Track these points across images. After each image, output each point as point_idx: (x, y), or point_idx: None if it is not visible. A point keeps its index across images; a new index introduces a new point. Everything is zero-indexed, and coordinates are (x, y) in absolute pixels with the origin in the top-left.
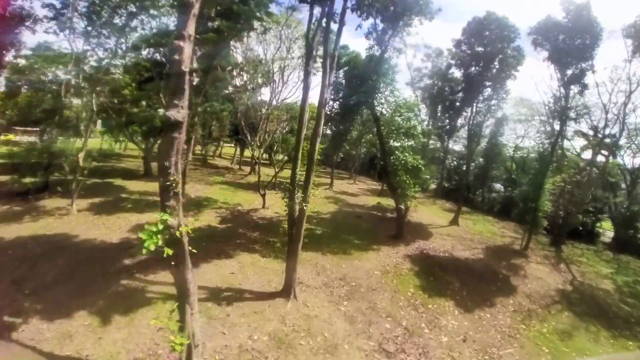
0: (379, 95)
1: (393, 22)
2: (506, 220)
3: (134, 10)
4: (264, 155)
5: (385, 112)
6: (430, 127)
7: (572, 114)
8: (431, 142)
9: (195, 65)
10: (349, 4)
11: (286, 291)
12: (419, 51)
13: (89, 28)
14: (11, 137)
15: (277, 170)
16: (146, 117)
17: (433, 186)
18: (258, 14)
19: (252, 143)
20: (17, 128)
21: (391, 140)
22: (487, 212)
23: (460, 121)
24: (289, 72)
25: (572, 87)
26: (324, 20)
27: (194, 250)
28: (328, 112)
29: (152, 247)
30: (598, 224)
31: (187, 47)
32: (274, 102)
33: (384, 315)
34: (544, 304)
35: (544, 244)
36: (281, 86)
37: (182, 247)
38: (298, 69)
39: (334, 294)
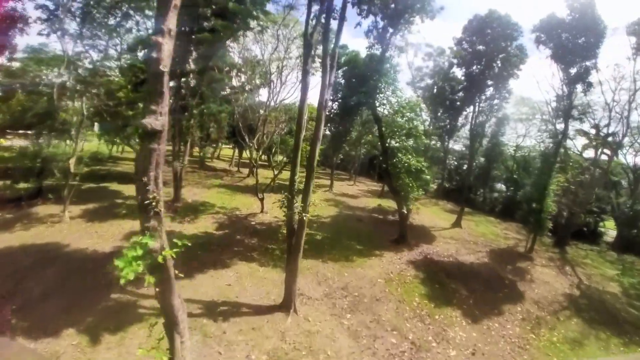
0: (380, 95)
1: (394, 20)
2: (508, 220)
3: (130, 12)
4: (263, 157)
5: (387, 113)
6: (431, 127)
7: (575, 113)
8: (432, 142)
9: (192, 66)
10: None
11: (286, 305)
12: (420, 50)
13: (83, 30)
14: (1, 141)
15: (275, 172)
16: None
17: (433, 186)
18: (254, 12)
19: (250, 145)
20: (9, 131)
21: (393, 141)
22: (489, 212)
23: (460, 121)
24: (287, 72)
25: (577, 85)
26: (323, 16)
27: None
28: (327, 113)
29: (131, 276)
30: (601, 224)
31: (167, 44)
32: (272, 103)
33: (389, 329)
34: (552, 310)
35: (548, 245)
36: (279, 87)
37: (166, 272)
38: (296, 69)
39: (336, 305)
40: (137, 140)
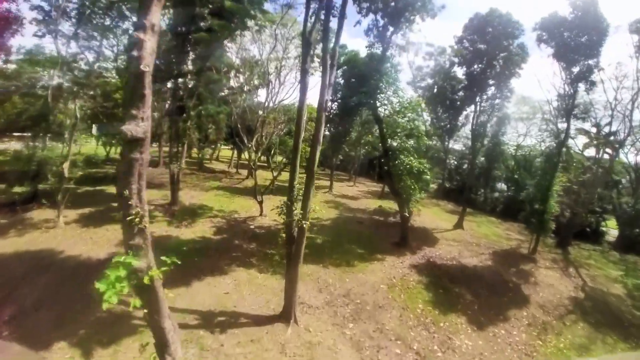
0: (381, 95)
1: (394, 19)
2: (509, 220)
3: (126, 12)
4: (262, 158)
5: (388, 113)
6: (431, 127)
7: (578, 112)
8: (431, 142)
9: (189, 67)
10: None
11: (286, 315)
12: (420, 49)
13: (79, 31)
14: None
15: (274, 174)
16: None
17: (434, 186)
18: (252, 11)
19: (249, 146)
20: (4, 134)
21: (394, 142)
22: (490, 212)
23: (461, 120)
24: (285, 73)
25: (580, 84)
26: (322, 13)
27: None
28: (326, 114)
29: (115, 300)
30: (603, 223)
31: (150, 41)
32: (271, 104)
33: (393, 338)
34: (558, 314)
35: (551, 246)
36: (278, 87)
37: (154, 293)
38: (295, 69)
39: (338, 314)
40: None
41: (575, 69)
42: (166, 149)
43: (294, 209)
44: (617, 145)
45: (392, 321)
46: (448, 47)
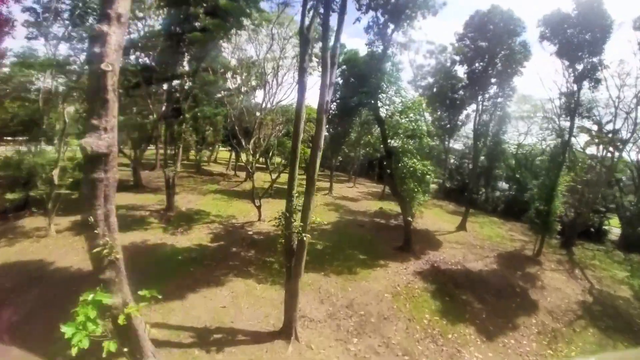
0: (383, 95)
1: (395, 16)
2: (511, 220)
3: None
4: (261, 160)
5: (390, 114)
6: (433, 127)
7: (583, 111)
8: (434, 142)
9: (184, 68)
10: None
11: (286, 331)
12: (421, 48)
13: (72, 33)
14: None
15: (273, 177)
16: (133, 124)
17: (434, 186)
18: (247, 10)
19: (247, 148)
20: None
21: (394, 142)
22: (492, 212)
23: (461, 119)
24: (283, 72)
25: (584, 82)
26: (321, 7)
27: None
28: (327, 116)
29: (86, 344)
30: (606, 223)
31: (115, 34)
32: (268, 105)
33: (400, 354)
34: (567, 320)
35: (555, 247)
36: (275, 87)
37: (134, 332)
38: (293, 69)
39: (341, 328)
40: (130, 145)
41: (580, 67)
42: (163, 151)
43: (293, 220)
44: (619, 144)
45: (398, 334)
46: (449, 45)
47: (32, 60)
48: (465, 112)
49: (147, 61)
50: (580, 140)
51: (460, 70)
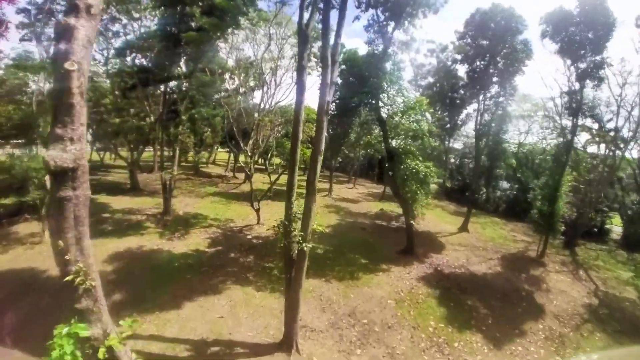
0: (384, 95)
1: (395, 14)
2: (513, 220)
3: (116, 15)
4: (260, 161)
5: (392, 114)
6: (435, 127)
7: (587, 110)
8: (436, 143)
9: (181, 69)
10: None
11: (287, 342)
12: (421, 46)
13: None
14: None
15: (272, 179)
16: (129, 126)
17: (434, 186)
18: (244, 8)
19: (245, 150)
20: None
21: (395, 142)
22: (493, 212)
23: (461, 119)
24: (282, 73)
25: (587, 81)
26: (321, 2)
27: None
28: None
29: None
30: (608, 222)
31: (84, 27)
32: (267, 106)
33: None
34: (574, 325)
35: (558, 247)
36: (274, 88)
37: None
38: (291, 69)
39: (343, 338)
40: (127, 148)
41: (583, 65)
42: (160, 153)
43: (292, 229)
44: (620, 142)
45: (403, 343)
46: (450, 43)
47: (26, 63)
48: (465, 112)
49: (144, 62)
50: (580, 139)
51: (461, 70)
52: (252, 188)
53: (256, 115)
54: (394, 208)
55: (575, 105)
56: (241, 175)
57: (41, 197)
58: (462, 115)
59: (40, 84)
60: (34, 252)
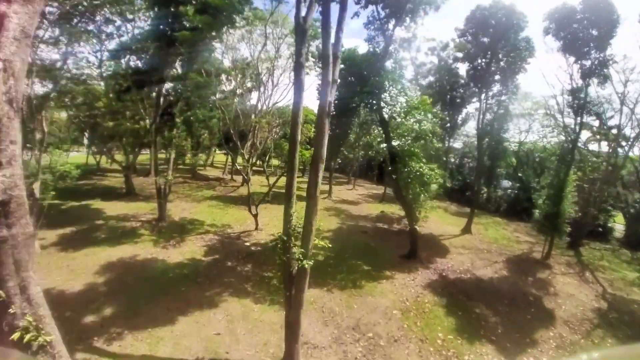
0: (384, 94)
1: (396, 11)
2: (515, 220)
3: (110, 16)
4: (258, 162)
5: (395, 115)
6: (438, 127)
7: (592, 108)
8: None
9: (174, 70)
10: None
11: None
12: (421, 44)
13: (60, 37)
14: None
15: (270, 182)
16: (124, 130)
17: (435, 186)
18: (239, 6)
19: (242, 152)
20: None
21: (397, 142)
22: (494, 212)
23: (461, 118)
24: (279, 73)
25: (593, 79)
26: None
27: None
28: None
29: None
30: (611, 220)
31: (18, 16)
32: (264, 107)
33: None
34: (584, 331)
35: (562, 248)
36: (271, 89)
37: None
38: (288, 70)
39: (348, 355)
40: (122, 151)
41: (587, 62)
42: (161, 155)
43: (292, 245)
44: (621, 141)
45: (410, 358)
46: (450, 41)
47: None
48: (465, 111)
49: (139, 64)
50: (582, 137)
51: (462, 68)
52: (250, 193)
53: (253, 116)
54: (394, 210)
55: (580, 103)
56: (239, 178)
57: (30, 205)
58: (463, 115)
59: (36, 87)
60: None
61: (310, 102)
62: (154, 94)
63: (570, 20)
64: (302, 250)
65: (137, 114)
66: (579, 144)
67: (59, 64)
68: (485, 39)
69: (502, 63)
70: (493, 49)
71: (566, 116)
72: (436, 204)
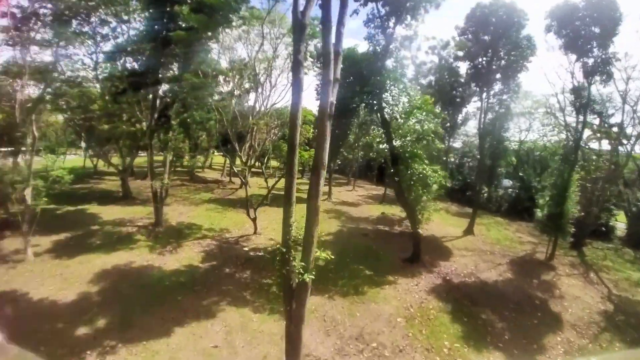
0: (385, 94)
1: (396, 9)
2: (516, 219)
3: (105, 18)
4: (257, 164)
5: (397, 115)
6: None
7: (596, 106)
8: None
9: (175, 71)
10: None
11: None
12: (422, 43)
13: (56, 39)
14: None
15: (268, 185)
16: (120, 132)
17: (435, 186)
18: (235, 4)
19: (240, 154)
20: None
21: (398, 142)
22: (495, 212)
23: (461, 117)
24: (277, 73)
25: (596, 77)
26: None
27: None
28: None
29: None
30: (613, 219)
31: None
32: (262, 109)
33: None
34: (592, 335)
35: (565, 248)
36: (269, 89)
37: None
38: (286, 70)
39: None
40: (119, 154)
41: (590, 61)
42: (158, 157)
43: (291, 257)
44: (622, 139)
45: None
46: (451, 39)
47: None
48: (465, 110)
49: (135, 66)
50: (583, 136)
51: (463, 67)
52: (248, 196)
53: (251, 118)
54: (395, 211)
55: (583, 102)
56: (238, 180)
57: (22, 211)
58: (463, 114)
59: (31, 89)
60: (16, 271)
61: (309, 102)
62: (150, 95)
63: (572, 18)
64: (303, 264)
65: (134, 116)
66: (581, 143)
67: (52, 66)
68: (486, 37)
69: (503, 61)
70: (494, 47)
71: (567, 114)
72: (439, 206)
